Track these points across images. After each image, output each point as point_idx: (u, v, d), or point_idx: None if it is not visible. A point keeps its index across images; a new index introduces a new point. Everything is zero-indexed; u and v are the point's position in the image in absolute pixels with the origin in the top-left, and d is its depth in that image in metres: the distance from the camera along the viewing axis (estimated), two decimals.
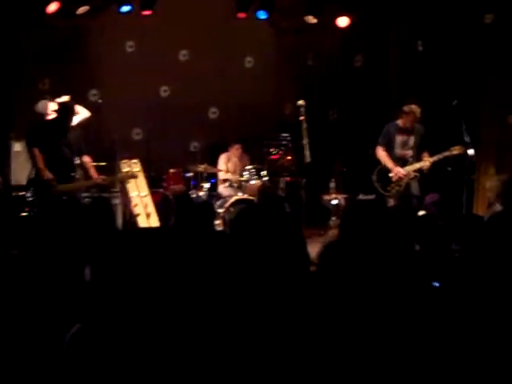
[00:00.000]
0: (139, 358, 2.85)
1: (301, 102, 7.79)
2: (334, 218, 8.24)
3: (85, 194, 7.47)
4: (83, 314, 3.27)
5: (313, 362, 2.99)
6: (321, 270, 4.01)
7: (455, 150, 7.37)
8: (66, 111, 7.10)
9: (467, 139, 7.24)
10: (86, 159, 7.21)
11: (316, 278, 3.81)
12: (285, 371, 2.92)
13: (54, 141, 6.96)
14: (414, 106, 7.63)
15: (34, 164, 6.92)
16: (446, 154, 7.44)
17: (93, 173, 7.22)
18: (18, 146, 8.35)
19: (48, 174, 6.83)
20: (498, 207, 5.88)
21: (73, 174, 7.11)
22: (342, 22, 9.49)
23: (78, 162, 7.23)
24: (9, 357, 3.19)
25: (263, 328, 3.13)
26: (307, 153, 7.50)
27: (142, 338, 2.95)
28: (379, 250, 4.82)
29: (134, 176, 7.85)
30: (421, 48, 9.13)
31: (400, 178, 7.55)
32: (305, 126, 7.64)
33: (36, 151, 6.89)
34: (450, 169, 7.57)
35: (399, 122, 7.66)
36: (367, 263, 4.09)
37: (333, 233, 7.19)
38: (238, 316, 3.25)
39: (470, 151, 7.23)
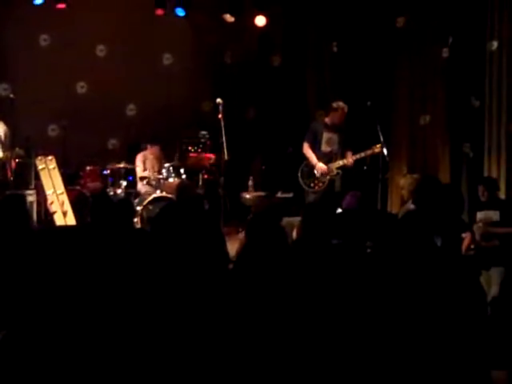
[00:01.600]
0: (64, 362, 2.83)
1: (219, 100, 7.82)
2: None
3: None
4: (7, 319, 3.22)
5: (229, 353, 3.06)
6: (238, 268, 4.09)
7: (377, 148, 7.56)
8: None
9: (381, 139, 7.45)
10: None
11: (233, 275, 3.89)
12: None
13: None
14: (341, 103, 7.79)
15: None
16: (369, 152, 7.63)
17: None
18: None
19: None
20: (410, 205, 6.08)
21: None
22: (260, 21, 9.59)
23: None
24: None
25: (181, 324, 3.17)
26: (225, 150, 7.54)
27: (66, 339, 2.93)
28: (297, 246, 4.94)
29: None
30: (335, 49, 9.32)
31: (323, 174, 7.71)
32: (223, 123, 7.67)
33: None
34: (365, 167, 7.78)
35: (327, 119, 7.81)
36: (284, 260, 4.19)
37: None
38: (157, 312, 3.27)
39: (384, 150, 7.45)
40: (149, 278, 3.64)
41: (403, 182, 6.74)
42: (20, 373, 2.76)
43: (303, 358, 3.10)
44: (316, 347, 3.16)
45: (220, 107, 7.74)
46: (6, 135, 7.79)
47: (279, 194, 8.30)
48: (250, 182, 8.47)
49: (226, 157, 7.44)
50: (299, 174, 7.79)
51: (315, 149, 7.78)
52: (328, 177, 7.69)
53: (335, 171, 7.69)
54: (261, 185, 8.85)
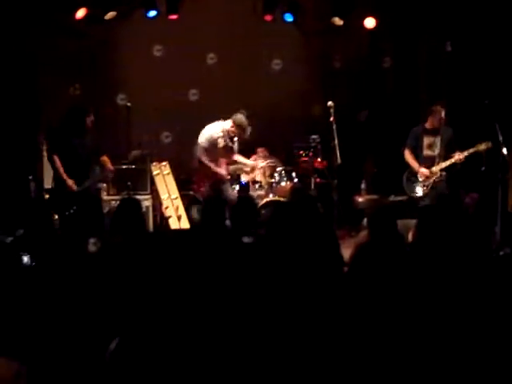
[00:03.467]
0: (178, 366, 2.82)
1: (330, 103, 7.76)
2: (365, 219, 8.16)
3: (116, 197, 7.53)
4: (121, 325, 3.25)
5: (342, 358, 2.97)
6: (353, 271, 3.99)
7: (481, 146, 7.33)
8: (81, 113, 7.19)
9: (500, 138, 7.18)
10: (105, 158, 7.30)
11: (348, 278, 3.79)
12: (312, 370, 2.90)
13: (70, 143, 7.06)
14: (438, 106, 7.64)
15: (55, 172, 7.04)
16: (472, 150, 7.40)
17: (109, 169, 7.36)
18: None
19: (69, 182, 6.94)
20: None
21: (89, 174, 7.19)
22: (369, 23, 9.45)
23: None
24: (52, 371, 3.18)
25: (296, 327, 3.11)
26: (337, 154, 7.47)
27: (181, 345, 2.92)
28: (414, 249, 4.80)
29: (142, 156, 7.84)
30: (449, 48, 9.07)
31: (426, 178, 7.56)
32: (334, 127, 7.60)
33: (56, 158, 7.00)
34: (483, 168, 7.50)
35: (426, 123, 7.67)
36: (401, 263, 4.05)
37: (364, 234, 7.15)
38: (272, 314, 3.23)
39: (504, 150, 7.18)
40: (263, 281, 3.61)
41: None
42: (135, 380, 2.77)
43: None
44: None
45: (331, 110, 7.67)
46: None
47: (392, 197, 8.13)
48: (363, 185, 8.36)
49: (338, 160, 7.37)
50: (403, 181, 7.68)
51: (417, 154, 7.64)
52: (432, 180, 7.51)
53: (439, 173, 7.50)
54: (373, 188, 8.70)
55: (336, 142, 7.51)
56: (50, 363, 3.21)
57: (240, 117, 7.86)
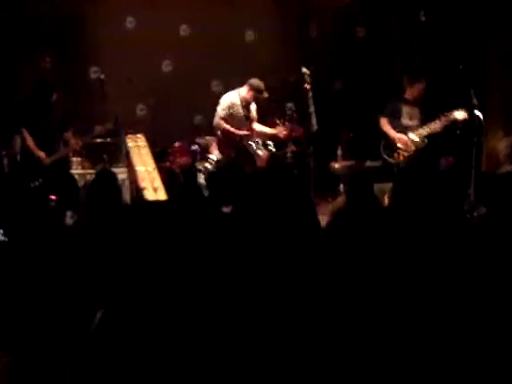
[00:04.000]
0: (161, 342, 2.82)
1: (305, 70, 7.72)
2: (342, 185, 8.21)
3: (91, 171, 7.50)
4: (104, 297, 3.24)
5: (320, 323, 2.99)
6: (330, 236, 4.02)
7: (458, 114, 7.38)
8: (48, 89, 7.15)
9: (475, 102, 7.21)
10: (69, 134, 7.26)
11: (325, 243, 3.82)
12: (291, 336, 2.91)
13: (37, 117, 7.02)
14: (418, 80, 7.65)
15: (24, 145, 7.00)
16: (450, 117, 7.42)
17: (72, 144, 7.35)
18: None
19: (40, 154, 6.91)
20: (507, 167, 5.91)
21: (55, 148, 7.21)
22: None
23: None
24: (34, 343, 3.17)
25: (276, 294, 3.12)
26: (313, 121, 7.45)
27: (162, 318, 2.91)
28: (389, 212, 4.82)
29: (108, 128, 7.80)
30: (423, 18, 9.09)
31: (406, 144, 7.57)
32: (310, 94, 7.57)
33: (24, 131, 6.97)
34: (458, 132, 7.56)
35: (406, 94, 7.68)
36: (377, 227, 4.08)
37: (341, 199, 7.19)
38: (251, 283, 3.23)
39: (478, 114, 7.21)
40: (240, 249, 3.61)
41: (499, 144, 6.52)
42: (120, 352, 2.77)
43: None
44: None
45: (306, 77, 7.63)
46: None
47: (368, 163, 8.16)
48: (339, 152, 8.37)
49: (314, 127, 7.35)
50: (381, 149, 7.68)
51: (396, 123, 7.65)
52: (413, 147, 7.53)
53: (420, 140, 7.51)
54: (349, 154, 8.73)
55: (312, 109, 7.49)
56: (31, 341, 3.20)
57: (254, 80, 7.73)
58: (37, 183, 6.73)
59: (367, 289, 3.15)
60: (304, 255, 3.54)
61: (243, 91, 7.75)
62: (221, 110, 7.69)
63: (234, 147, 7.69)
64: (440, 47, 8.90)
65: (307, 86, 7.60)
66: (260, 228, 3.93)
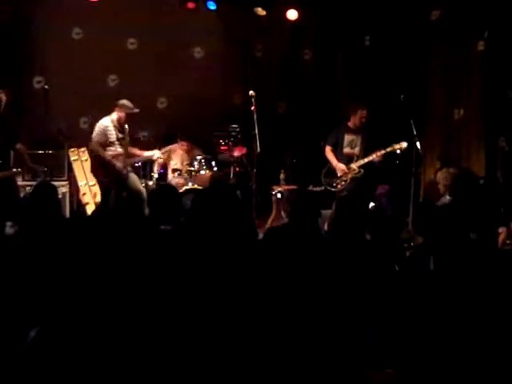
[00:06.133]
0: (100, 357, 2.80)
1: (251, 93, 7.78)
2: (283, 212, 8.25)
3: (32, 183, 7.35)
4: (41, 314, 3.20)
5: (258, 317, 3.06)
6: (264, 252, 4.09)
7: (397, 146, 7.52)
8: None
9: (415, 133, 7.40)
10: (19, 146, 7.10)
11: (261, 260, 3.88)
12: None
13: None
14: (360, 107, 7.78)
15: None
16: (389, 149, 7.59)
17: (26, 159, 7.10)
18: None
19: None
20: (446, 199, 6.06)
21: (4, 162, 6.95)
22: (292, 14, 9.55)
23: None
24: None
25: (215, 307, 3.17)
26: (257, 143, 7.50)
27: (100, 332, 2.90)
28: (331, 238, 4.92)
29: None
30: (368, 43, 9.26)
31: (344, 174, 7.72)
32: (255, 116, 7.63)
33: None
34: (397, 162, 7.73)
35: (349, 122, 7.82)
36: (318, 250, 4.17)
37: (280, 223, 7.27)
38: (189, 298, 3.27)
39: (417, 144, 7.39)
40: (181, 266, 3.64)
41: (439, 175, 6.70)
42: (55, 367, 2.74)
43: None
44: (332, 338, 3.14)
45: (252, 99, 7.70)
46: None
47: (311, 188, 8.27)
48: (282, 176, 8.45)
49: (258, 149, 7.41)
50: (322, 176, 7.85)
51: (338, 151, 7.80)
52: (350, 175, 7.68)
53: (357, 169, 7.67)
54: (292, 178, 8.81)
55: (256, 131, 7.55)
56: None
57: (122, 100, 7.75)
58: None
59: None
60: (242, 265, 3.62)
61: (114, 115, 7.77)
62: (96, 135, 7.67)
63: (107, 171, 7.64)
64: (383, 74, 9.09)
65: (252, 108, 7.66)
66: (201, 246, 3.97)
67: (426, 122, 8.60)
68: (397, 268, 4.20)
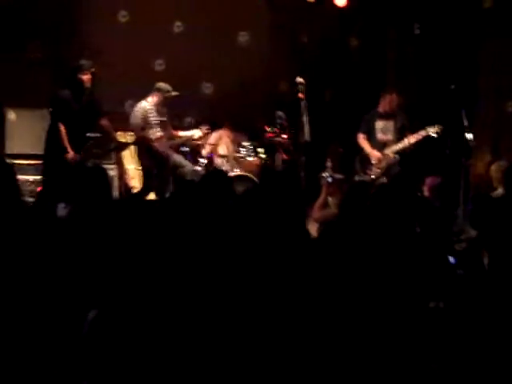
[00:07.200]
0: (155, 343, 2.79)
1: (300, 80, 7.70)
2: (329, 198, 8.20)
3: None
4: (97, 297, 3.20)
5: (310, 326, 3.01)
6: (320, 247, 4.03)
7: (431, 129, 7.43)
8: (74, 72, 6.98)
9: (466, 123, 7.28)
10: (104, 122, 7.16)
11: (315, 255, 3.83)
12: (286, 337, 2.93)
13: (73, 109, 6.90)
14: (389, 91, 7.77)
15: (58, 140, 6.84)
16: (422, 132, 7.49)
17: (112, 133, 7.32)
18: (11, 115, 8.22)
19: (70, 155, 6.78)
20: (500, 191, 5.98)
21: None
22: (340, 1, 9.44)
23: None
24: (25, 343, 3.11)
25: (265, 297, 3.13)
26: (306, 131, 7.44)
27: (156, 318, 2.89)
28: (380, 230, 4.85)
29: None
30: (418, 31, 9.14)
31: (379, 161, 7.65)
32: (304, 103, 7.56)
33: (62, 127, 6.85)
34: (447, 152, 7.63)
35: (379, 107, 7.74)
36: (367, 244, 4.11)
37: (328, 211, 7.20)
38: (240, 280, 3.24)
39: (469, 135, 7.27)
40: (232, 252, 3.61)
41: (492, 168, 6.60)
42: (112, 353, 2.74)
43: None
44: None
45: (301, 86, 7.62)
46: None
47: (356, 178, 8.20)
48: (329, 164, 8.38)
49: (306, 137, 7.35)
50: (356, 163, 7.78)
51: (371, 138, 7.71)
52: (385, 163, 7.60)
53: (392, 155, 7.59)
54: (339, 167, 8.74)
55: (305, 119, 7.49)
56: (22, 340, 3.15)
57: (159, 83, 7.86)
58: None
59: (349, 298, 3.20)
60: (294, 263, 3.56)
61: (152, 98, 7.82)
62: (135, 119, 7.67)
63: (150, 154, 7.70)
64: (433, 63, 8.96)
65: (301, 96, 7.58)
66: (253, 232, 3.94)
67: (478, 113, 8.45)
68: (452, 261, 4.13)
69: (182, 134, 8.10)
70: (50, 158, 6.99)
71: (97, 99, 7.35)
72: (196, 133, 7.99)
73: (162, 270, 3.44)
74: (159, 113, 7.74)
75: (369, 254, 3.82)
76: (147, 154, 7.63)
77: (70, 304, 3.28)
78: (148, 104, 7.68)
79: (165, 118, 7.81)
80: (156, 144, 7.58)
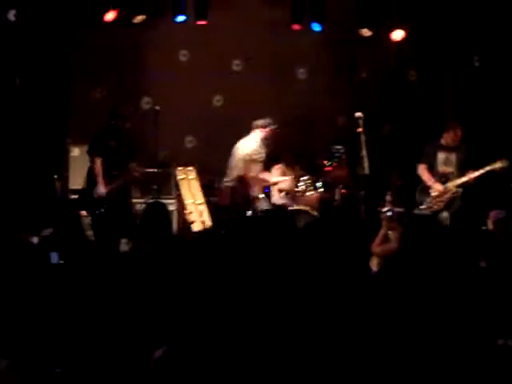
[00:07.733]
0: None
1: (359, 114, 7.71)
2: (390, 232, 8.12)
3: (141, 200, 7.55)
4: (167, 334, 3.22)
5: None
6: (381, 282, 3.97)
7: (497, 164, 7.30)
8: (119, 117, 7.24)
9: None
10: (133, 165, 7.34)
11: (376, 290, 3.77)
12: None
13: (111, 147, 7.11)
14: (453, 124, 7.70)
15: (93, 175, 7.07)
16: (488, 168, 7.37)
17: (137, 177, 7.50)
18: (75, 151, 8.45)
19: (101, 190, 6.97)
20: None
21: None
22: (397, 35, 9.44)
23: None
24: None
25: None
26: (366, 165, 7.43)
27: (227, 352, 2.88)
28: (442, 265, 4.76)
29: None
30: (477, 63, 9.07)
31: (440, 194, 7.55)
32: (363, 137, 7.57)
33: (98, 162, 7.06)
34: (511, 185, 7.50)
35: (441, 139, 7.66)
36: (430, 278, 4.03)
37: (388, 246, 7.11)
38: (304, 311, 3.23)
39: None
40: (295, 287, 3.60)
41: None
42: None
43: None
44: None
45: (360, 121, 7.63)
46: None
47: (416, 211, 8.10)
48: (388, 197, 8.31)
49: (366, 171, 7.34)
50: (416, 194, 7.70)
51: (432, 170, 7.68)
52: (447, 196, 7.50)
53: (454, 189, 7.48)
54: (398, 200, 8.66)
55: (364, 152, 7.48)
56: (82, 366, 3.19)
57: (259, 120, 7.93)
58: (101, 210, 6.84)
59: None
60: (355, 297, 3.53)
61: (258, 134, 7.86)
62: (244, 155, 7.74)
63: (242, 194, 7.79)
64: (493, 95, 8.86)
65: (360, 130, 7.58)
66: (316, 267, 3.92)
67: None
68: None
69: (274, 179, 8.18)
70: (85, 192, 7.27)
71: (134, 141, 7.54)
72: (286, 183, 8.06)
73: (229, 306, 3.45)
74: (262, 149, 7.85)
75: (431, 290, 3.76)
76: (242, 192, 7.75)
77: (139, 341, 3.32)
78: (255, 142, 7.80)
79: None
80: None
